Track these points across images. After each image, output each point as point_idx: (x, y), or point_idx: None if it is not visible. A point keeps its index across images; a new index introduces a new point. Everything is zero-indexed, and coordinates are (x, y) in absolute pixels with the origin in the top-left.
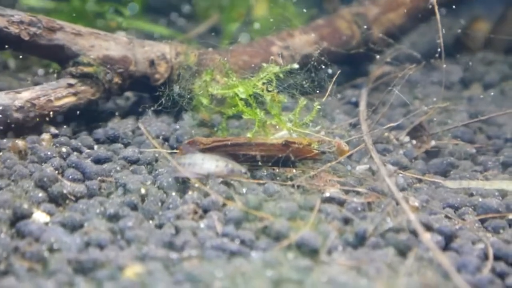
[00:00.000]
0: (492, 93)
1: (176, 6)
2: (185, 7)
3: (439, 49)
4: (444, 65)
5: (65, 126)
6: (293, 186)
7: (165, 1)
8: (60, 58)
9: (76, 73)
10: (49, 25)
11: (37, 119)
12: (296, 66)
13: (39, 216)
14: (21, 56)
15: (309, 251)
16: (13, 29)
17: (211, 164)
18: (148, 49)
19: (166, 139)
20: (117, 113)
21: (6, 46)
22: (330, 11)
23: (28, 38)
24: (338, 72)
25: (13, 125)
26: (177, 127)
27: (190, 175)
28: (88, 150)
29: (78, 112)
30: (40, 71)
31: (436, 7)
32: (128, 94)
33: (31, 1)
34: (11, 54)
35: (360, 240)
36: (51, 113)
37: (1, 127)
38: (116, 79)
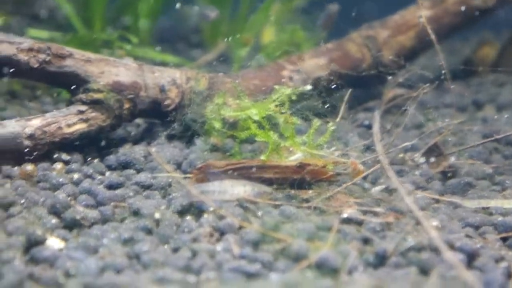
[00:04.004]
0: (506, 114)
1: (184, 34)
2: (193, 36)
3: (443, 71)
4: (452, 86)
5: (76, 153)
6: (309, 207)
7: (173, 30)
8: (70, 85)
9: (86, 99)
10: (59, 52)
11: (48, 146)
12: (309, 87)
13: (53, 242)
14: (30, 85)
15: (329, 271)
16: (22, 57)
17: (240, 189)
18: (158, 75)
19: (178, 165)
20: (128, 140)
21: (16, 74)
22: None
23: (38, 66)
24: (349, 91)
25: (24, 153)
26: (189, 152)
27: (216, 203)
28: (100, 177)
29: (89, 139)
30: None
31: (426, 24)
32: (139, 121)
33: (38, 33)
34: (20, 82)
35: (380, 260)
36: (62, 140)
37: (12, 155)
38: (127, 105)
